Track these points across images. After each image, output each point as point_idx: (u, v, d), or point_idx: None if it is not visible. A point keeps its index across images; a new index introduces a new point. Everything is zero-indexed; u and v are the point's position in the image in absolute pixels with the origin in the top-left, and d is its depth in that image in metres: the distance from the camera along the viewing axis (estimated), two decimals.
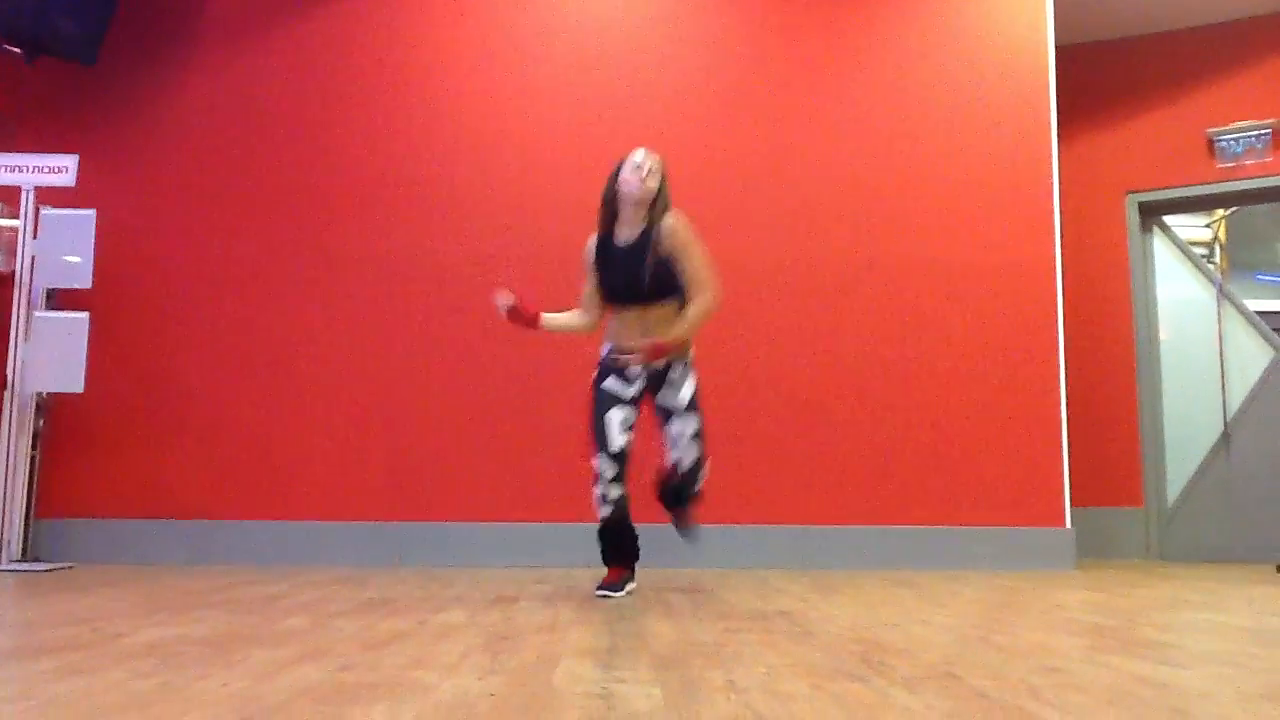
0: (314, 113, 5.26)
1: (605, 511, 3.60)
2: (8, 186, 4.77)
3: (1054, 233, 5.21)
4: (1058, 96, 5.33)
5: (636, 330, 3.57)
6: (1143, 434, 5.99)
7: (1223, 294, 6.10)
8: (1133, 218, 6.15)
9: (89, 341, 4.61)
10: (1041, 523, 4.99)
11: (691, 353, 3.66)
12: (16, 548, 4.59)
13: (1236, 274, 8.04)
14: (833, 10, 5.39)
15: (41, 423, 4.86)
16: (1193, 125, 6.04)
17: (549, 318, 3.79)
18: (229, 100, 5.28)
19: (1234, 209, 7.33)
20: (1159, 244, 6.25)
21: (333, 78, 5.29)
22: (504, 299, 3.69)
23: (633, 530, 3.70)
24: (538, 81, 5.29)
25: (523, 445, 4.99)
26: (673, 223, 3.56)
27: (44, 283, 4.73)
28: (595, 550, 4.80)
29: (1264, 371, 5.92)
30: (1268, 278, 8.81)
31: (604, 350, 3.69)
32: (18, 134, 5.14)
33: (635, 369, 3.60)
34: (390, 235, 5.15)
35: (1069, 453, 5.06)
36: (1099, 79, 6.24)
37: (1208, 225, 7.81)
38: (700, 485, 3.69)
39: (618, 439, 3.56)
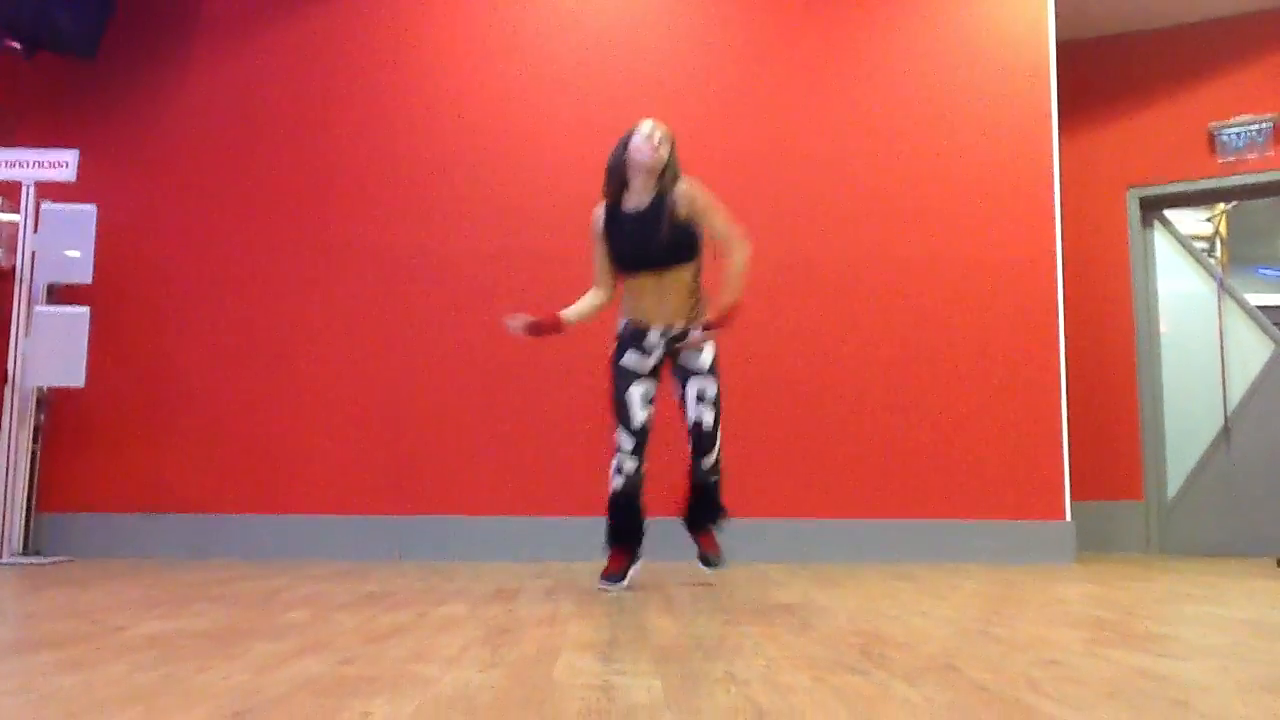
0: (315, 108, 5.26)
1: (618, 483, 3.64)
2: (8, 182, 4.77)
3: (1055, 227, 5.21)
4: (1059, 91, 5.33)
5: (652, 298, 3.59)
6: (1143, 428, 5.99)
7: (1223, 288, 6.10)
8: (1134, 212, 6.15)
9: (89, 336, 4.61)
10: (1042, 516, 4.99)
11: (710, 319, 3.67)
12: (17, 541, 4.60)
13: (1237, 268, 8.04)
14: (833, 8, 5.38)
15: (42, 417, 4.86)
16: (1194, 120, 6.03)
17: (568, 314, 3.75)
18: (230, 95, 5.27)
19: (1235, 203, 7.33)
20: (1160, 238, 6.24)
21: (333, 73, 5.28)
22: (516, 320, 3.68)
23: (641, 511, 3.69)
24: (537, 78, 5.29)
25: (523, 440, 5.00)
26: (688, 188, 3.58)
27: (44, 278, 4.73)
28: (596, 545, 4.81)
29: (1264, 366, 5.92)
30: (1269, 272, 8.81)
31: (620, 324, 3.70)
32: (18, 129, 5.13)
33: (654, 339, 3.61)
34: (391, 231, 5.15)
35: (1069, 446, 5.07)
36: (1100, 74, 6.23)
37: (1209, 220, 7.81)
38: (721, 462, 3.66)
39: (639, 414, 3.60)
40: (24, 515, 4.67)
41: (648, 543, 4.80)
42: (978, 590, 3.64)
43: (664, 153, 3.59)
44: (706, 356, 3.62)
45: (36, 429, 4.81)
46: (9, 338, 4.66)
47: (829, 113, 5.30)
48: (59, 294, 4.86)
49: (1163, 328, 6.14)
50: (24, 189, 4.71)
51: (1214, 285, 6.13)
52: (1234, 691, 1.80)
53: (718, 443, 3.63)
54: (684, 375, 3.63)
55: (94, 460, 4.97)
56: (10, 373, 4.62)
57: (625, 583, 3.60)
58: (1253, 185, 5.98)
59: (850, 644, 2.31)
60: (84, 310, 4.64)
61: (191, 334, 5.08)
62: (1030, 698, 1.72)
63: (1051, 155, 5.25)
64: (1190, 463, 5.99)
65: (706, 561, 3.66)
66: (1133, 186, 6.16)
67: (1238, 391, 5.96)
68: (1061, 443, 5.05)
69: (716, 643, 2.34)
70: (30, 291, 4.69)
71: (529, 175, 5.19)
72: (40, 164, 4.73)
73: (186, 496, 4.94)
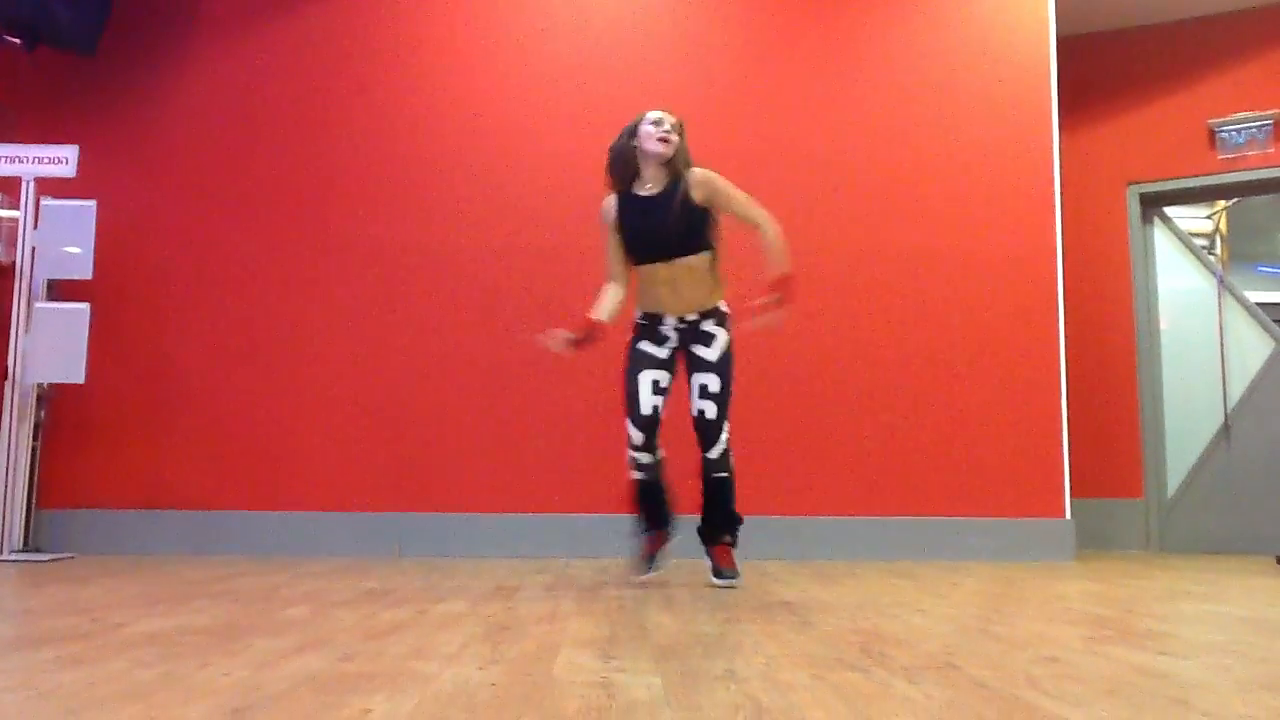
0: (315, 104, 5.25)
1: (636, 475, 3.66)
2: (8, 177, 4.76)
3: (1055, 224, 5.21)
4: (1059, 87, 5.32)
5: (666, 288, 3.58)
6: (1143, 425, 5.99)
7: (1223, 285, 6.10)
8: (1134, 209, 6.15)
9: (89, 332, 4.61)
10: (1041, 514, 4.99)
11: (727, 309, 3.67)
12: (18, 538, 4.60)
13: (1237, 265, 8.04)
14: (833, 4, 5.38)
15: (42, 413, 4.86)
16: (1194, 116, 6.03)
17: (599, 316, 3.66)
18: (230, 91, 5.27)
19: (1235, 200, 7.33)
20: (1160, 235, 6.24)
21: (334, 69, 5.28)
22: (555, 339, 3.59)
23: (664, 491, 3.70)
24: (539, 75, 5.28)
25: (523, 436, 5.00)
26: (703, 174, 3.59)
27: (44, 274, 4.73)
28: (595, 542, 4.84)
29: (1264, 363, 5.92)
30: (1268, 269, 8.81)
31: (636, 314, 3.69)
32: (18, 125, 5.13)
33: (669, 329, 3.61)
34: (391, 228, 5.15)
35: (1069, 444, 5.07)
36: (1100, 70, 6.22)
37: (1209, 216, 7.80)
38: (730, 462, 3.63)
39: (647, 402, 3.57)
40: (24, 512, 4.68)
41: None
42: (977, 588, 3.64)
43: (675, 140, 3.59)
44: (718, 348, 3.60)
45: (36, 425, 4.81)
46: (9, 334, 4.65)
47: (829, 109, 5.30)
48: (59, 290, 4.86)
49: (1163, 325, 6.14)
50: (24, 185, 4.71)
51: (1214, 282, 6.13)
52: (1233, 689, 1.80)
53: (722, 436, 3.58)
54: (692, 369, 3.61)
55: (94, 457, 4.97)
56: (10, 369, 4.62)
57: (655, 570, 3.58)
58: (1253, 182, 5.98)
59: (850, 642, 2.31)
60: (84, 306, 4.64)
61: (192, 330, 5.08)
62: (1030, 695, 1.72)
63: (1051, 151, 5.25)
64: (1190, 460, 5.99)
65: (720, 574, 3.61)
66: (1133, 183, 6.15)
67: (1238, 389, 5.96)
68: (1061, 440, 5.05)
69: (716, 640, 2.35)
70: (30, 287, 4.69)
71: (529, 173, 5.19)
72: (40, 160, 4.72)
73: (187, 493, 4.95)
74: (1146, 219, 6.21)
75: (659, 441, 3.63)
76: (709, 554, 3.70)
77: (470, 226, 5.15)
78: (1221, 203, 7.51)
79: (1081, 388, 5.65)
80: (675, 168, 3.58)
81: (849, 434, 5.05)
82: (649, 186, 3.62)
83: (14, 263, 4.71)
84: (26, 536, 4.73)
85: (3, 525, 4.52)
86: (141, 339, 5.06)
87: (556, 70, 5.29)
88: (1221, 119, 5.93)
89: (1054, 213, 5.21)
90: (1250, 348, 5.98)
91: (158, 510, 4.92)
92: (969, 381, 5.09)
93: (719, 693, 1.72)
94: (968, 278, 5.17)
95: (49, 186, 4.79)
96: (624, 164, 3.64)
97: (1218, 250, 7.74)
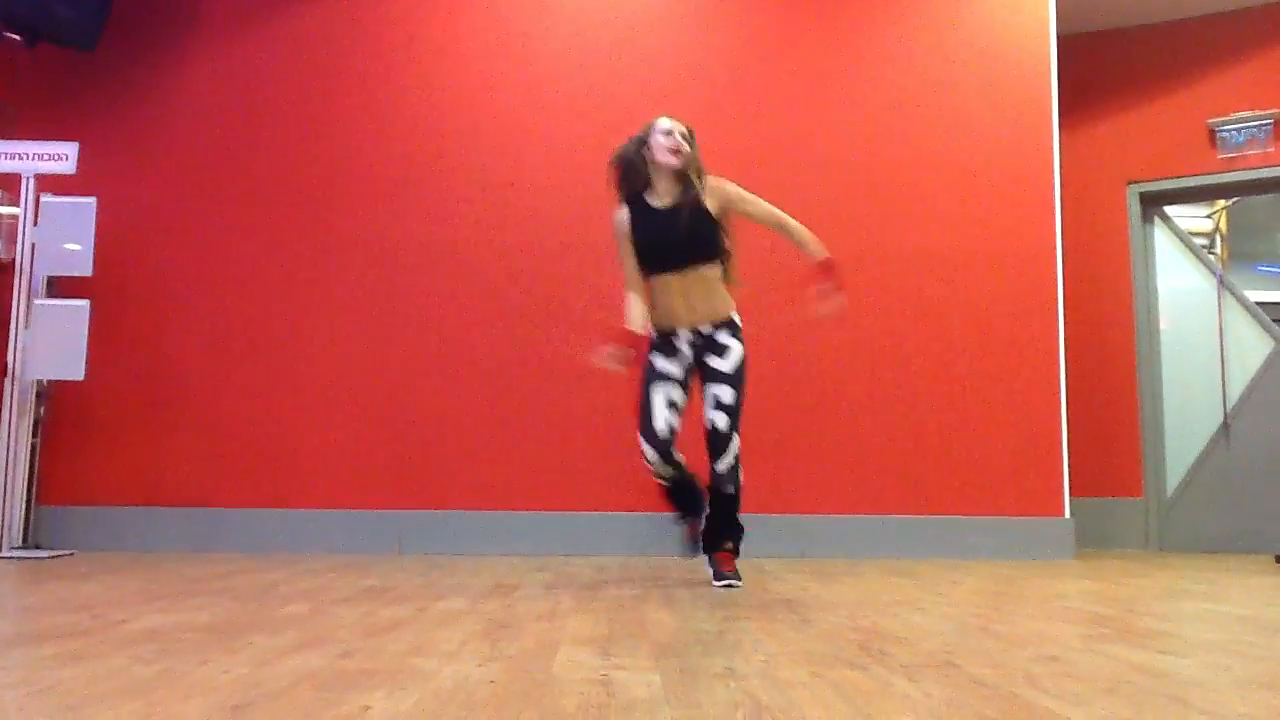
0: (316, 100, 5.25)
1: (662, 482, 3.67)
2: (8, 174, 4.76)
3: (1055, 223, 5.20)
4: (1059, 86, 5.32)
5: (679, 300, 3.57)
6: (1143, 424, 5.99)
7: (1223, 285, 6.10)
8: (1134, 208, 6.14)
9: (89, 329, 4.61)
10: (1041, 512, 4.99)
11: (739, 320, 3.65)
12: (17, 534, 4.60)
13: (1237, 265, 8.04)
14: (833, 3, 5.37)
15: (42, 410, 4.86)
16: (1194, 115, 6.03)
17: (635, 325, 3.63)
18: (230, 87, 5.27)
19: (1235, 199, 7.33)
20: (1160, 234, 6.24)
21: (334, 65, 5.27)
22: (610, 358, 3.55)
23: (691, 482, 3.68)
24: (541, 72, 5.28)
25: (523, 434, 5.00)
26: (716, 181, 3.61)
27: (44, 270, 4.73)
28: (595, 540, 4.85)
29: (1264, 362, 5.91)
30: (1268, 268, 8.81)
31: (650, 329, 3.66)
32: (18, 121, 5.13)
33: (682, 343, 3.58)
34: (390, 225, 5.14)
35: (1069, 443, 5.06)
36: (1100, 69, 6.22)
37: (1209, 216, 7.80)
38: (739, 475, 3.59)
39: (660, 419, 3.52)
40: (24, 508, 4.67)
41: (648, 540, 4.83)
42: (977, 586, 3.64)
43: (687, 150, 3.58)
44: (732, 359, 3.56)
45: (36, 422, 4.81)
46: (9, 330, 4.65)
47: (828, 109, 5.29)
48: (59, 287, 4.86)
49: (1162, 324, 6.14)
50: (24, 181, 4.70)
51: (1214, 281, 6.13)
52: (1232, 687, 1.80)
53: (731, 448, 3.52)
54: (706, 379, 3.58)
55: (94, 453, 4.97)
56: (10, 365, 4.62)
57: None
58: (1253, 181, 5.97)
59: (850, 639, 2.31)
60: (84, 303, 4.64)
61: (192, 327, 5.08)
62: (1029, 693, 1.72)
63: (1052, 150, 5.25)
64: (1189, 459, 5.99)
65: (721, 578, 3.57)
66: (1133, 182, 6.15)
67: (1237, 388, 5.96)
68: (1061, 439, 5.05)
69: (716, 638, 2.35)
70: (30, 284, 4.69)
71: (530, 172, 5.18)
72: (40, 156, 4.72)
73: (186, 490, 4.95)
74: (1146, 218, 6.21)
75: (675, 452, 3.59)
76: (710, 559, 3.69)
77: (470, 225, 5.14)
78: (1221, 202, 7.50)
79: (1081, 387, 5.65)
80: (688, 178, 3.58)
81: (849, 432, 5.04)
82: (661, 197, 3.62)
83: (14, 259, 4.71)
84: (26, 533, 4.73)
85: (2, 522, 4.52)
86: (141, 336, 5.06)
87: (558, 69, 5.28)
88: (1221, 118, 5.93)
89: (1054, 212, 5.21)
90: (1250, 347, 5.98)
91: (157, 507, 4.92)
92: (969, 380, 5.09)
93: (718, 690, 1.72)
94: (967, 277, 5.16)
95: (49, 183, 4.78)
96: (635, 174, 3.63)
97: (1218, 249, 7.74)
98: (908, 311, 5.12)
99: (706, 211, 3.57)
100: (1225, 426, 5.93)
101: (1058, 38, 5.36)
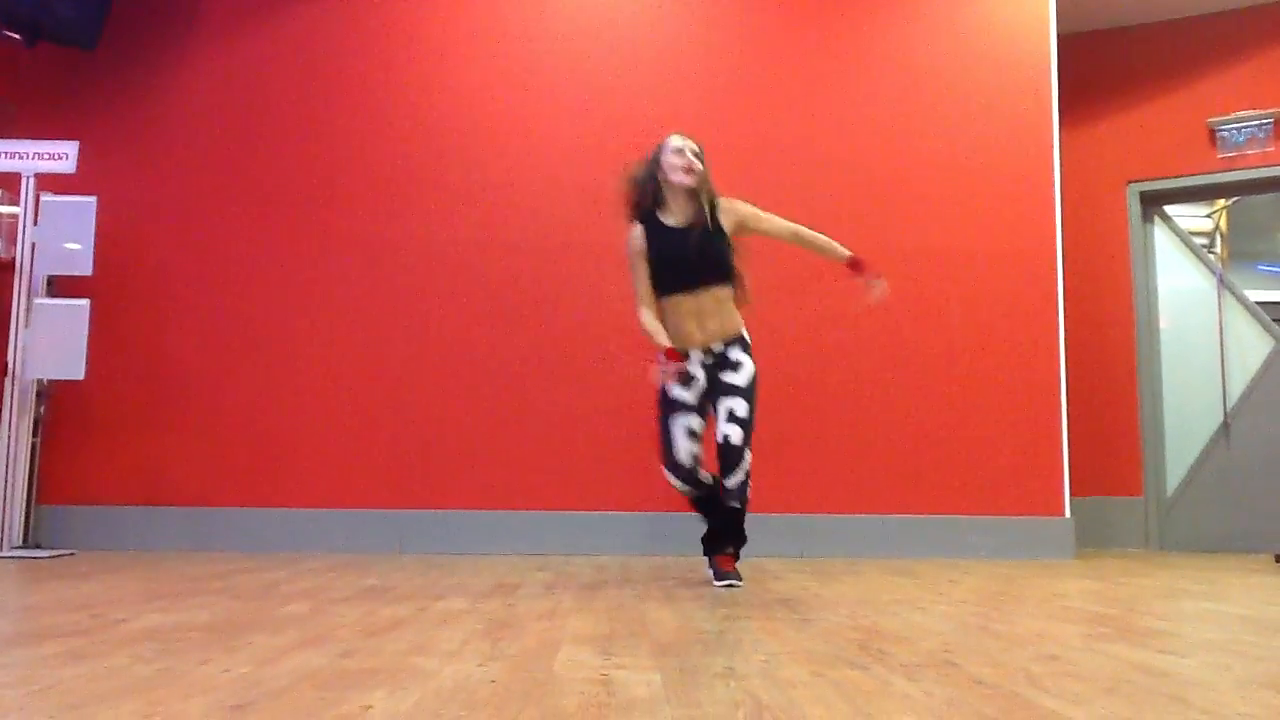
0: (316, 99, 5.25)
1: (691, 498, 3.72)
2: (8, 173, 4.75)
3: (1055, 222, 5.20)
4: (1059, 85, 5.32)
5: (692, 320, 3.58)
6: (1143, 424, 5.99)
7: (1223, 284, 6.10)
8: (1134, 207, 6.14)
9: (89, 328, 4.61)
10: (1041, 512, 4.99)
11: (749, 338, 3.67)
12: (18, 534, 4.60)
13: (1237, 264, 8.03)
14: (834, 2, 5.37)
15: (42, 409, 4.86)
16: (1194, 114, 6.02)
17: (665, 340, 3.60)
18: (231, 87, 5.26)
19: (1235, 199, 7.33)
20: (1160, 234, 6.24)
21: (335, 64, 5.27)
22: (670, 374, 3.52)
23: (717, 493, 3.69)
24: (541, 70, 5.27)
25: (524, 434, 5.00)
26: (728, 202, 3.66)
27: (44, 270, 4.72)
28: (596, 539, 4.85)
29: (1264, 361, 5.91)
30: (1268, 268, 8.81)
31: (660, 357, 3.61)
32: (18, 120, 5.13)
33: (695, 367, 3.58)
34: (391, 222, 5.14)
35: (1069, 442, 5.06)
36: (1101, 68, 6.22)
37: (1209, 215, 7.80)
38: (748, 490, 3.59)
39: (683, 451, 3.57)
40: (24, 508, 4.67)
41: (649, 539, 4.83)
42: (977, 586, 3.64)
43: (700, 168, 3.61)
44: (744, 375, 3.57)
45: (36, 421, 4.81)
46: (9, 330, 4.65)
47: (829, 108, 5.29)
48: (59, 286, 4.86)
49: (1162, 323, 6.14)
50: (24, 180, 4.70)
51: (1214, 281, 6.13)
52: (1232, 687, 1.80)
53: (743, 463, 3.52)
54: (719, 394, 3.57)
55: (94, 453, 4.97)
56: (10, 365, 4.62)
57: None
58: (1253, 181, 5.97)
59: (850, 639, 2.31)
60: (84, 303, 4.64)
61: (192, 327, 5.08)
62: (1029, 693, 1.72)
63: (1052, 149, 5.25)
64: (1190, 459, 5.99)
65: (723, 578, 3.57)
66: (1133, 181, 6.15)
67: (1237, 387, 5.96)
68: (1061, 438, 5.05)
69: (716, 637, 2.35)
70: (30, 283, 4.68)
71: (531, 171, 5.18)
72: (40, 155, 4.72)
73: (186, 489, 4.95)
74: (1146, 217, 6.21)
75: (701, 474, 3.63)
76: (710, 561, 3.69)
77: (471, 224, 5.14)
78: (1221, 201, 7.50)
79: (1081, 386, 5.65)
80: (702, 197, 3.60)
81: (849, 432, 5.04)
82: (675, 217, 3.63)
83: (14, 259, 4.71)
84: (26, 532, 4.73)
85: (3, 521, 4.52)
86: (141, 335, 5.06)
87: (558, 69, 5.28)
88: (1221, 117, 5.93)
89: (1054, 211, 5.21)
90: (1250, 346, 5.98)
91: (158, 506, 4.92)
92: (969, 380, 5.09)
93: (719, 690, 1.72)
94: (967, 276, 5.16)
95: (49, 182, 4.78)
96: (647, 194, 3.65)
97: (1218, 249, 7.73)
98: (908, 311, 5.11)
99: (720, 230, 3.60)
100: (1225, 426, 5.93)
101: (1058, 37, 5.36)
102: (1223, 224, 7.81)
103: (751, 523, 3.73)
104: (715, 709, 1.57)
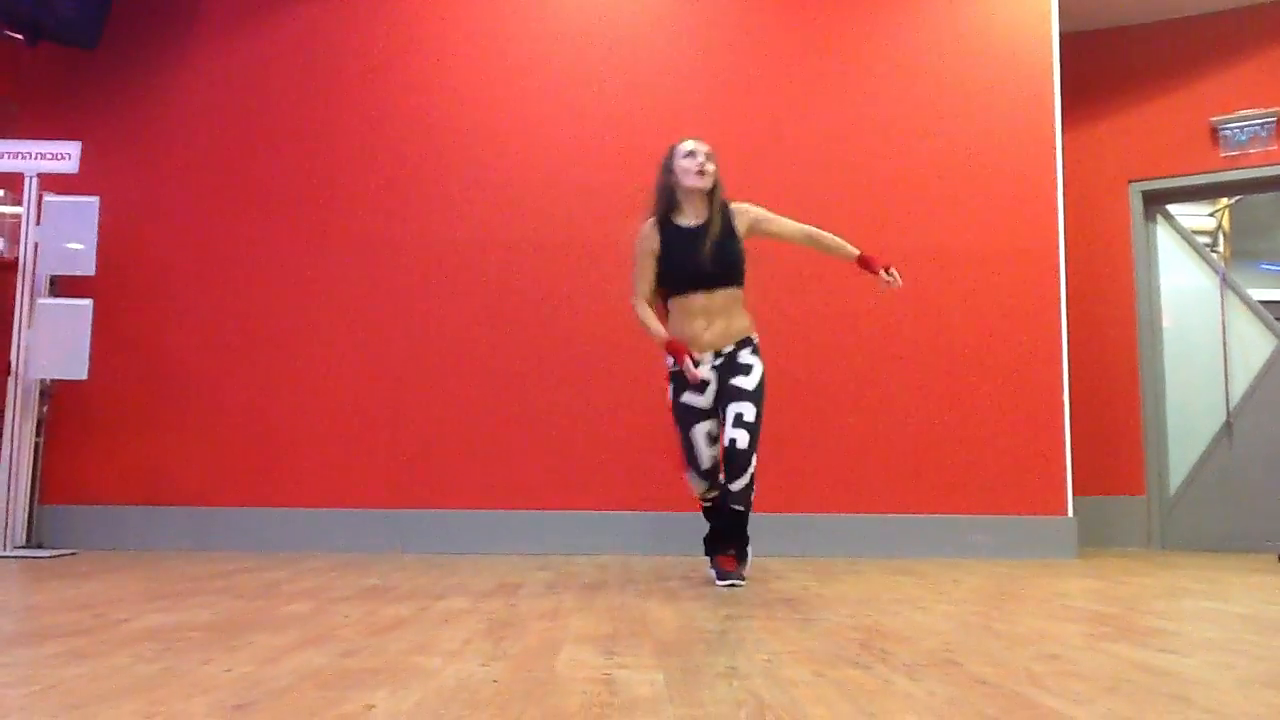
0: (318, 99, 5.25)
1: (706, 503, 3.77)
2: (11, 173, 4.76)
3: (1057, 221, 5.20)
4: (1062, 84, 5.31)
5: (702, 320, 3.60)
6: (1145, 423, 5.98)
7: (1226, 283, 6.09)
8: (1136, 206, 6.14)
9: (92, 328, 4.61)
10: (1043, 511, 4.99)
11: (757, 339, 3.69)
12: (20, 533, 4.60)
13: (1240, 263, 8.02)
14: (835, 2, 5.38)
15: (45, 409, 4.86)
16: (1197, 113, 6.02)
17: (661, 332, 3.65)
18: (233, 86, 5.27)
19: (1238, 198, 7.32)
20: (1162, 233, 6.23)
21: (336, 63, 5.27)
22: (693, 368, 3.55)
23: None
24: (542, 69, 5.27)
25: (525, 433, 5.00)
26: (741, 205, 3.71)
27: (47, 270, 4.73)
28: (597, 539, 4.84)
29: (1267, 360, 5.91)
30: (1271, 267, 8.80)
31: (669, 361, 3.64)
32: (21, 120, 5.13)
33: (706, 371, 3.59)
34: (391, 222, 5.15)
35: (1071, 441, 5.06)
36: (1103, 67, 6.21)
37: (1211, 214, 7.79)
38: (751, 495, 3.58)
39: (706, 455, 3.64)
40: (26, 508, 4.68)
41: (650, 539, 4.83)
42: (979, 585, 3.64)
43: (711, 170, 3.65)
44: (754, 377, 3.59)
45: (39, 421, 4.81)
46: (12, 330, 4.65)
47: (830, 107, 5.29)
48: (62, 286, 4.86)
49: (1165, 322, 6.13)
50: (27, 181, 4.71)
51: (1217, 280, 6.12)
52: (1234, 686, 1.80)
53: (750, 468, 3.53)
54: (728, 397, 3.58)
55: (96, 453, 4.97)
56: (13, 365, 4.63)
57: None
58: (1256, 179, 5.96)
59: (852, 638, 2.31)
60: (87, 303, 4.64)
61: (194, 326, 5.08)
62: (1031, 692, 1.72)
63: (1054, 149, 5.24)
64: (1192, 458, 5.98)
65: (725, 577, 3.56)
66: (1135, 180, 6.14)
67: (1240, 387, 5.95)
68: (1063, 437, 5.05)
69: (718, 637, 2.35)
70: (33, 283, 4.69)
71: (531, 170, 5.18)
72: (43, 156, 4.72)
73: (188, 489, 4.95)
74: (1149, 216, 6.21)
75: (718, 478, 3.66)
76: (712, 561, 3.69)
77: (472, 224, 5.14)
78: (1224, 200, 7.49)
79: (1083, 385, 5.64)
80: (715, 199, 3.65)
81: (851, 431, 5.04)
82: (689, 219, 3.67)
83: (17, 259, 4.71)
84: (29, 532, 4.73)
85: (5, 521, 4.53)
86: (144, 335, 5.07)
87: (559, 68, 5.28)
88: (1224, 116, 5.92)
89: (1056, 210, 5.20)
90: (1253, 345, 5.97)
91: (160, 506, 4.92)
92: (971, 379, 5.08)
93: (721, 689, 1.72)
94: (970, 275, 5.16)
95: (52, 182, 4.79)
96: (663, 201, 3.69)
97: (1220, 248, 7.73)
98: (909, 310, 5.11)
99: (733, 232, 3.64)
100: (1228, 425, 5.92)
101: (1060, 36, 5.36)
102: (1225, 223, 7.81)
103: (753, 522, 3.73)
104: (717, 708, 1.57)
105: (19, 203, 4.76)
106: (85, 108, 5.19)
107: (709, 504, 3.77)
